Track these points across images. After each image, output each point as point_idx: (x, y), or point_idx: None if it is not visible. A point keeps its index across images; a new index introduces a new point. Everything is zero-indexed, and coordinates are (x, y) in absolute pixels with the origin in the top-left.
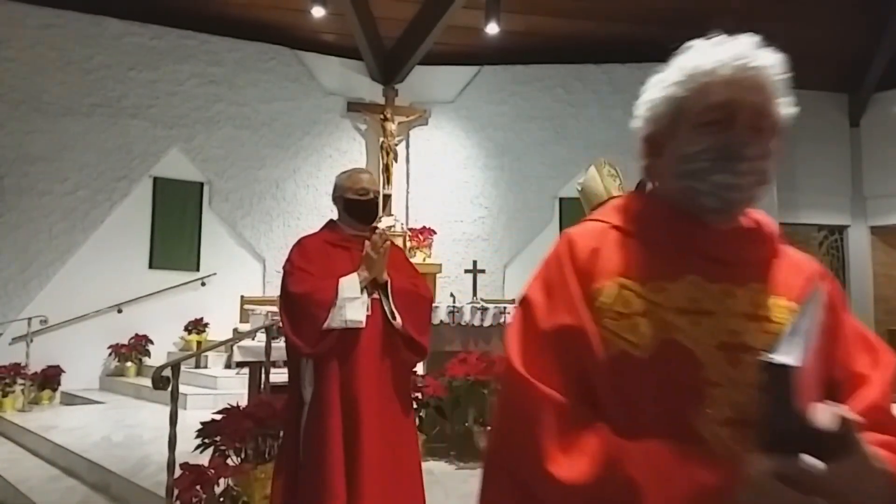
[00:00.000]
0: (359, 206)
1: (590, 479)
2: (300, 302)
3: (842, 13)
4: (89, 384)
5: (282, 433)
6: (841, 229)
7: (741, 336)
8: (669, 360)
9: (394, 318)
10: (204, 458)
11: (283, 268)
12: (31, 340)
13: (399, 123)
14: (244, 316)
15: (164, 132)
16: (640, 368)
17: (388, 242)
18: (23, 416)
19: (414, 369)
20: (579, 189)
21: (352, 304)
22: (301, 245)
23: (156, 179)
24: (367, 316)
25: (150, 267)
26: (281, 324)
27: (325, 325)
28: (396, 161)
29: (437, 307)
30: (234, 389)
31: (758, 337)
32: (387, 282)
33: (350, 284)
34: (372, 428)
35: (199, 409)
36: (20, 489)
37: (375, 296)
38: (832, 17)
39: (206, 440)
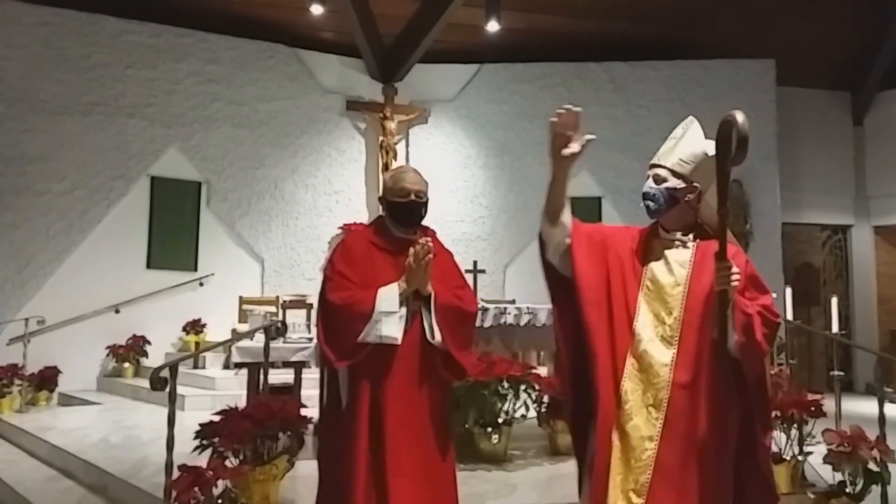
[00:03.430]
0: (400, 208)
1: None
2: (337, 312)
3: (845, 12)
4: (87, 385)
5: (318, 437)
6: (844, 229)
7: None
8: None
9: (433, 335)
10: (202, 460)
11: (323, 271)
12: (29, 341)
13: (398, 122)
14: (242, 316)
15: (162, 131)
16: None
17: (432, 255)
18: (20, 417)
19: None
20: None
21: (388, 319)
22: (344, 247)
23: (153, 179)
24: (405, 332)
25: (148, 267)
26: (316, 333)
27: (360, 339)
28: (396, 160)
29: None
30: (233, 390)
31: None
32: (430, 295)
33: (388, 297)
34: (399, 452)
35: (198, 410)
36: (18, 490)
37: (417, 309)
38: (835, 16)
39: (205, 441)
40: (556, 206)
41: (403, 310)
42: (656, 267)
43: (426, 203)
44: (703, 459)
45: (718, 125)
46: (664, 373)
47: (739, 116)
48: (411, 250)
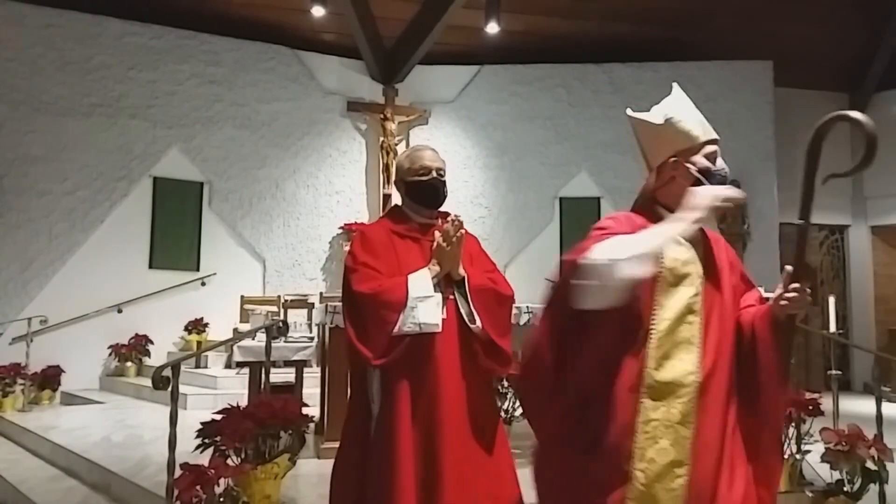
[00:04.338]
0: (421, 187)
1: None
2: (367, 303)
3: (842, 13)
4: (89, 384)
5: (338, 450)
6: (841, 229)
7: None
8: None
9: (472, 320)
10: (204, 459)
11: (345, 263)
12: (31, 340)
13: (399, 123)
14: (244, 316)
15: (164, 132)
16: None
17: (463, 231)
18: (23, 417)
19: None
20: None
21: (424, 305)
22: (363, 236)
23: (156, 179)
24: (443, 318)
25: (150, 267)
26: (345, 328)
27: (396, 330)
28: (396, 160)
29: None
30: (234, 389)
31: None
32: (463, 277)
33: (420, 281)
34: (453, 451)
35: (200, 409)
36: (20, 489)
37: (450, 294)
38: (833, 17)
39: (207, 440)
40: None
41: (439, 295)
42: (668, 256)
43: (446, 182)
44: (736, 478)
45: (817, 128)
46: (690, 381)
47: (861, 115)
48: (437, 233)
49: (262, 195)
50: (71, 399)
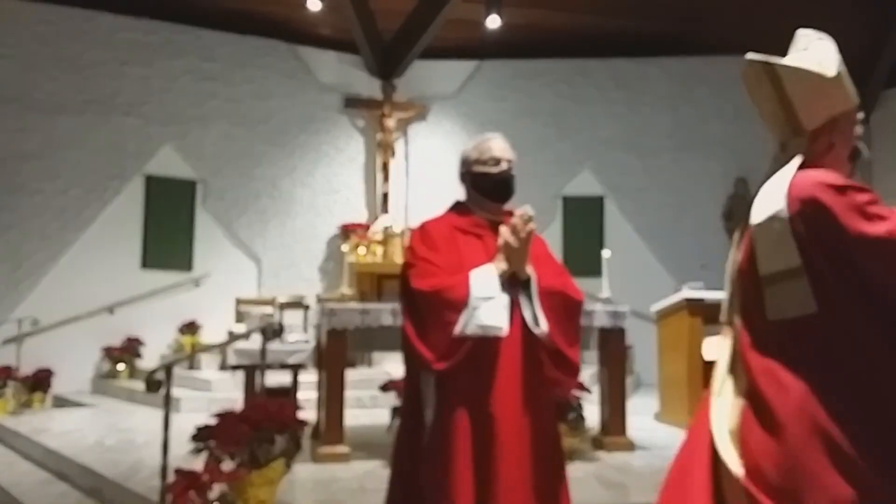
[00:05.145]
0: (489, 180)
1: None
2: (426, 301)
3: (851, 8)
4: (81, 387)
5: (392, 463)
6: None
7: None
8: None
9: (536, 324)
10: (198, 463)
11: (404, 258)
12: (22, 342)
13: (398, 119)
14: (239, 317)
15: (158, 129)
16: None
17: (533, 225)
18: (14, 420)
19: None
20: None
21: (489, 306)
22: (424, 230)
23: (149, 178)
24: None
25: (143, 267)
26: (402, 329)
27: (457, 332)
28: (395, 158)
29: None
30: (229, 392)
31: None
32: (530, 277)
33: (485, 279)
34: (512, 468)
35: (193, 412)
36: (12, 493)
37: (514, 295)
38: (841, 13)
39: (200, 444)
40: None
41: (506, 296)
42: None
43: (514, 175)
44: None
45: None
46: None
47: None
48: (503, 228)
49: (258, 194)
50: (62, 402)
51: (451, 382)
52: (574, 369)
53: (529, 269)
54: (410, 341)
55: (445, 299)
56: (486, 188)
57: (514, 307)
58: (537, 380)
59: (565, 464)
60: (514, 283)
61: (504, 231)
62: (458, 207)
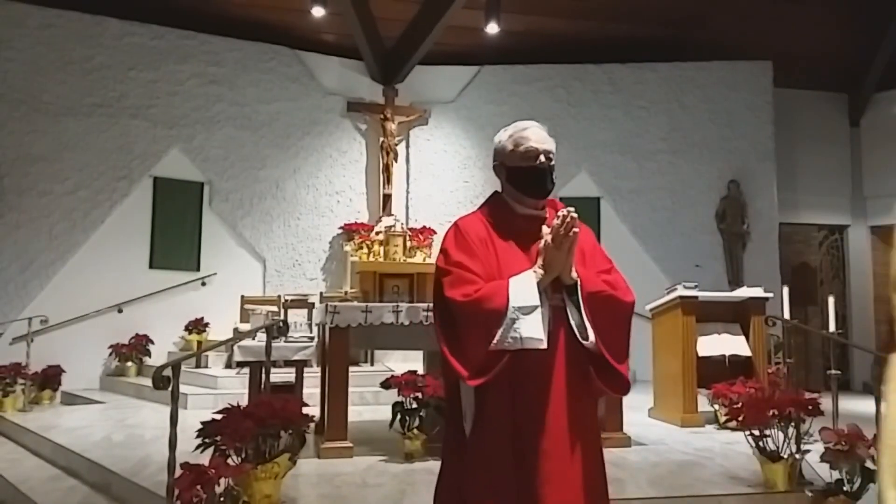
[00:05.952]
0: (526, 174)
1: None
2: (461, 311)
3: (842, 14)
4: (90, 384)
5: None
6: (841, 229)
7: None
8: None
9: (584, 335)
10: (204, 458)
11: (437, 262)
12: (32, 340)
13: (399, 123)
14: (244, 316)
15: (165, 132)
16: None
17: (577, 229)
18: (23, 416)
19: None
20: None
21: (528, 318)
22: (458, 231)
23: (156, 179)
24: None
25: (151, 267)
26: (437, 340)
27: (494, 345)
28: (396, 161)
29: None
30: (235, 389)
31: None
32: (576, 282)
33: (524, 288)
34: (553, 486)
35: (200, 408)
36: (21, 489)
37: (558, 302)
38: (832, 18)
39: (207, 440)
40: None
41: (547, 305)
42: None
43: (554, 168)
44: None
45: None
46: None
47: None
48: (545, 228)
49: (263, 195)
50: (71, 399)
51: (490, 395)
52: (623, 384)
53: (575, 273)
54: (444, 354)
55: (482, 310)
56: (522, 183)
57: (557, 314)
58: (583, 393)
59: (604, 472)
60: (557, 288)
61: (545, 233)
62: (494, 201)
